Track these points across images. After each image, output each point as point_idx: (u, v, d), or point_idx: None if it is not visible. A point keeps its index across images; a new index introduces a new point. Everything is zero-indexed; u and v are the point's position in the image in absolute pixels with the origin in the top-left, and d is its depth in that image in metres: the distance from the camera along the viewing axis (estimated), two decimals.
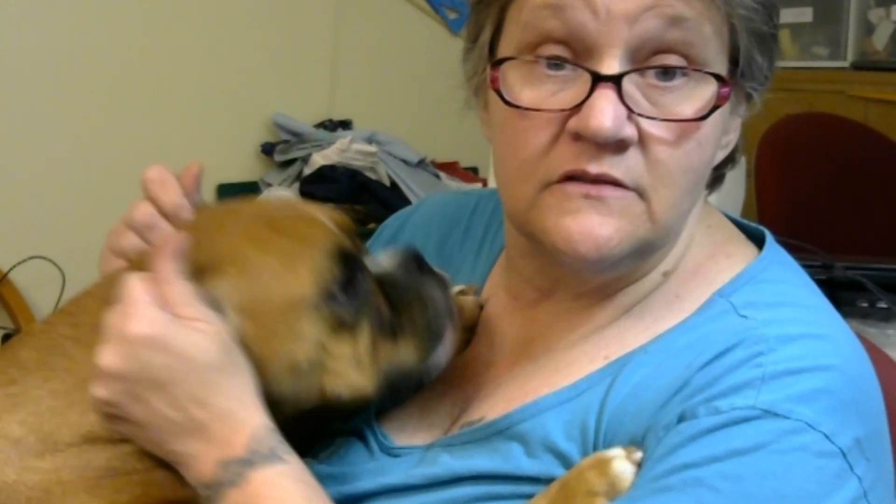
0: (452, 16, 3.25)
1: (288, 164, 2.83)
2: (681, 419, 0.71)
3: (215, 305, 0.77)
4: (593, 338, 0.83)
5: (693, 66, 0.75)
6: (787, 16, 3.59)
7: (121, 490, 0.78)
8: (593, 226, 0.76)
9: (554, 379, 0.81)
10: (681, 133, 0.75)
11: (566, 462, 0.76)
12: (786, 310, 0.77)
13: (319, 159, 2.72)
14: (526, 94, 0.77)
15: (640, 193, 0.76)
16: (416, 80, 2.90)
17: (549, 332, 0.86)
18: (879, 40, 3.49)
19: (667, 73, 0.75)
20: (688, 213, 0.81)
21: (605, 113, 0.73)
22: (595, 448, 0.75)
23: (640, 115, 0.74)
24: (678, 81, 0.75)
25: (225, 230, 0.82)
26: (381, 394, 0.83)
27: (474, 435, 0.82)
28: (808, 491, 0.69)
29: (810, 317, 0.77)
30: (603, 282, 0.83)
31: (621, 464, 0.73)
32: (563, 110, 0.75)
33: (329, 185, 2.66)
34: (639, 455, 0.73)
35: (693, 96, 0.75)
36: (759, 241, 0.87)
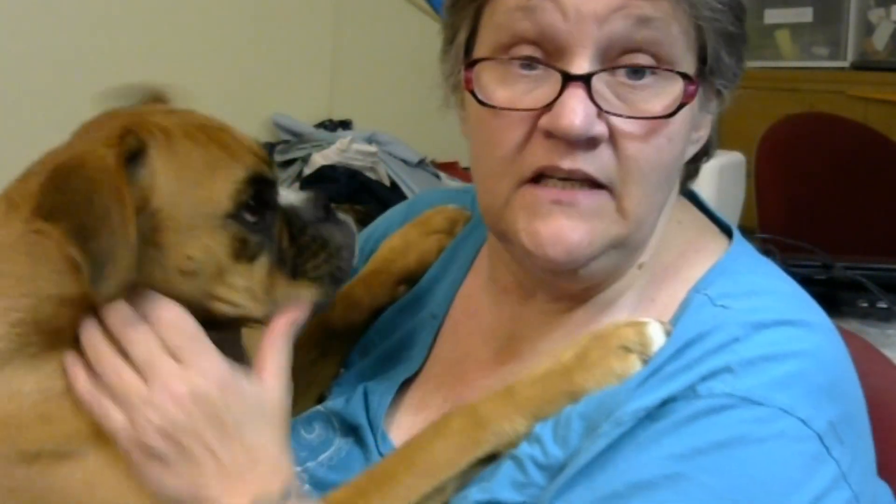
0: None
1: (288, 164, 2.83)
2: (664, 403, 0.73)
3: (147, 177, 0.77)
4: (576, 336, 0.84)
5: (661, 66, 0.77)
6: (787, 16, 3.59)
7: (77, 412, 0.77)
8: (563, 229, 0.78)
9: None
10: (650, 129, 0.77)
11: (538, 441, 0.77)
12: (760, 299, 0.79)
13: (319, 159, 2.72)
14: (499, 94, 0.79)
15: (611, 191, 0.78)
16: (416, 80, 2.89)
17: (535, 332, 0.87)
18: (879, 40, 3.49)
19: (636, 71, 0.77)
20: (661, 208, 0.83)
21: (575, 111, 0.74)
22: (562, 429, 0.77)
23: (609, 112, 0.76)
24: (647, 80, 0.77)
25: (165, 117, 0.82)
26: (271, 319, 0.83)
27: None
28: (788, 476, 0.70)
29: (783, 304, 0.79)
30: (589, 284, 0.84)
31: (655, 328, 0.77)
32: (534, 109, 0.77)
33: (329, 185, 2.65)
34: (671, 328, 0.77)
35: (661, 94, 0.77)
36: (729, 233, 0.88)
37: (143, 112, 0.83)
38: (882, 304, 1.65)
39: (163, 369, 0.75)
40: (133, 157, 0.77)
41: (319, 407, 0.95)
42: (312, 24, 2.97)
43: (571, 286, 0.85)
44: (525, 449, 0.77)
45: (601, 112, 0.76)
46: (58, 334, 0.78)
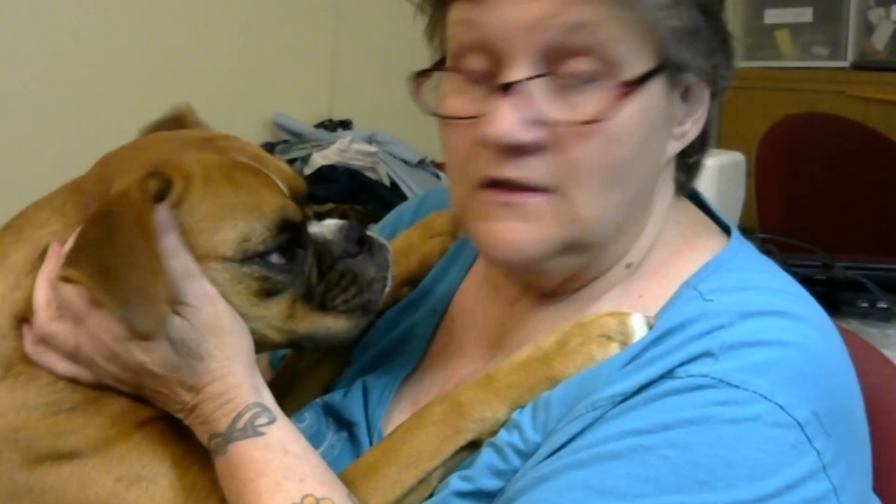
0: None
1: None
2: (641, 388, 0.73)
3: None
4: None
5: (603, 67, 0.76)
6: (787, 16, 3.59)
7: (86, 423, 0.78)
8: (511, 231, 0.78)
9: None
10: (591, 132, 0.76)
11: (517, 427, 0.77)
12: (750, 293, 0.78)
13: (319, 159, 2.72)
14: (451, 103, 0.81)
15: (561, 194, 0.77)
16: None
17: (523, 328, 0.88)
18: (879, 40, 3.49)
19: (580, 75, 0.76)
20: (624, 207, 0.81)
21: (502, 120, 0.75)
22: (541, 415, 0.77)
23: (545, 117, 0.76)
24: (593, 83, 0.76)
25: (195, 156, 0.82)
26: (296, 347, 0.86)
27: None
28: (759, 460, 0.68)
29: (774, 298, 0.78)
30: (563, 279, 0.85)
31: (638, 319, 0.77)
32: (473, 118, 0.78)
33: (329, 185, 2.65)
34: (655, 322, 0.77)
35: (602, 95, 0.76)
36: (729, 232, 0.88)
37: (174, 150, 0.82)
38: (882, 304, 1.65)
39: (86, 325, 0.78)
40: (158, 198, 0.77)
41: (317, 399, 0.96)
42: (312, 24, 2.97)
43: (544, 282, 0.86)
44: (504, 436, 0.77)
45: (538, 118, 0.76)
46: None
